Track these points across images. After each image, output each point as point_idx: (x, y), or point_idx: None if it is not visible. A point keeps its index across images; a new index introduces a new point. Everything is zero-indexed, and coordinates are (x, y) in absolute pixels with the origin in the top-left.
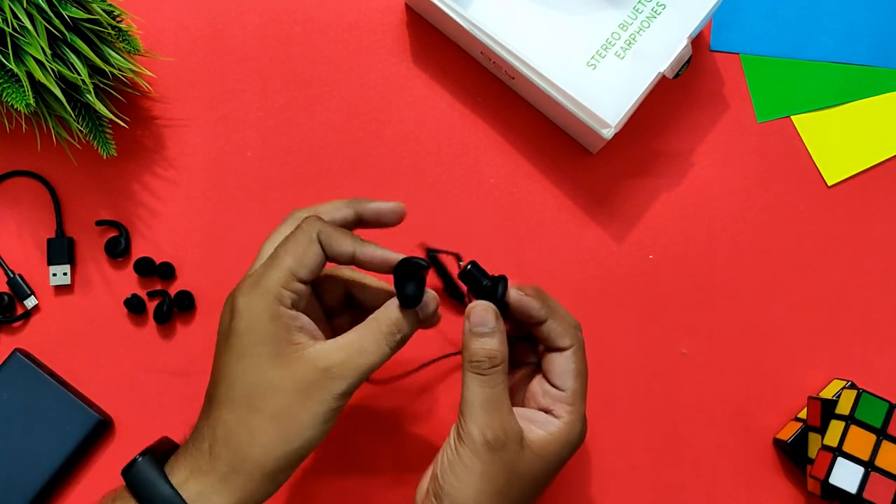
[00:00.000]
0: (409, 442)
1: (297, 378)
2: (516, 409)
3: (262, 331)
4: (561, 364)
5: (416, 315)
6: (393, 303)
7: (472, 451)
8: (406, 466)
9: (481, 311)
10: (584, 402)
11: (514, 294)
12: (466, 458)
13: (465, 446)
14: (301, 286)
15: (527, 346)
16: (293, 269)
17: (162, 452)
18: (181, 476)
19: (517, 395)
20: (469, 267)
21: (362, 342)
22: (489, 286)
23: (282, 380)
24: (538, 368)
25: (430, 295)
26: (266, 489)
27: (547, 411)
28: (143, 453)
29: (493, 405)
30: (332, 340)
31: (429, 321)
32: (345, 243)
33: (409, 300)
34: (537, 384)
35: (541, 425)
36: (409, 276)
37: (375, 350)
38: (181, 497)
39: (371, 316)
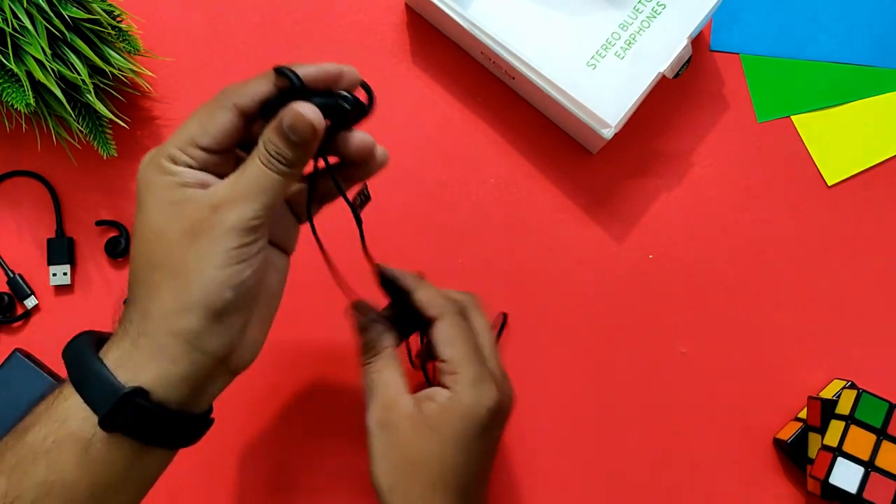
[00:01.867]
0: None
1: (183, 219)
2: (421, 392)
3: (153, 184)
4: (436, 337)
5: (288, 138)
6: (270, 127)
7: (371, 437)
8: None
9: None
10: (473, 367)
11: (385, 268)
12: (371, 444)
13: (369, 434)
14: (199, 152)
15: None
16: (193, 134)
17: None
18: (106, 347)
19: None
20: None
21: (245, 170)
22: None
23: (170, 224)
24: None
25: (305, 108)
26: (189, 356)
27: (444, 387)
28: (81, 333)
29: (375, 389)
30: (221, 181)
31: (308, 149)
32: (259, 87)
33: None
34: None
35: (434, 399)
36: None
37: (259, 175)
38: (106, 366)
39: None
